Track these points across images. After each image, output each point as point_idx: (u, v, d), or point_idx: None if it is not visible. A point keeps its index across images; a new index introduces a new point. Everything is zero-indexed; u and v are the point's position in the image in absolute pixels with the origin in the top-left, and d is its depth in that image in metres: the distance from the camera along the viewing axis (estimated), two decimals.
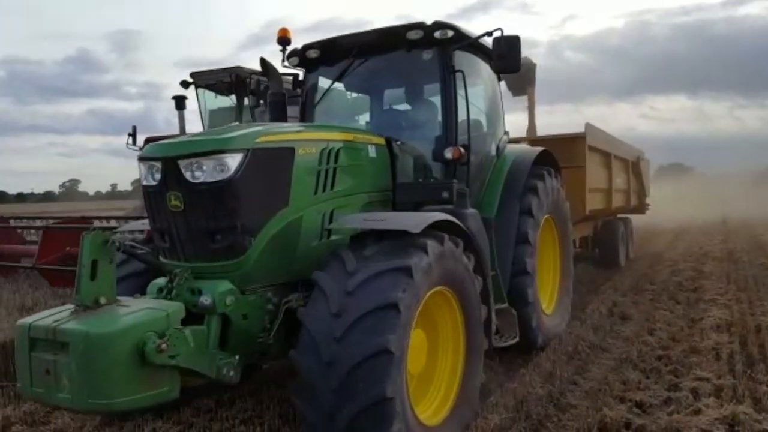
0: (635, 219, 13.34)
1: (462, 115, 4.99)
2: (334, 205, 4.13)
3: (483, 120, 5.74)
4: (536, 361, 5.37)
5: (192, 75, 11.39)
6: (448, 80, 4.98)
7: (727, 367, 5.11)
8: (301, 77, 5.72)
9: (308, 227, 3.90)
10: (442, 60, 5.00)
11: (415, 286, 3.34)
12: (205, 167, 3.44)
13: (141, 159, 3.71)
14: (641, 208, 13.53)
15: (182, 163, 3.47)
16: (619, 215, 12.16)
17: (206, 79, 11.33)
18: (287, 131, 4.04)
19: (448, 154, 4.84)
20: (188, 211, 3.51)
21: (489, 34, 4.77)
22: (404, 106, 5.78)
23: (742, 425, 3.87)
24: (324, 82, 5.52)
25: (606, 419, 4.00)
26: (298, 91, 5.74)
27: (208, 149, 3.48)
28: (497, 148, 5.82)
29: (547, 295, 6.40)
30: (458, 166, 4.92)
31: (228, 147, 3.50)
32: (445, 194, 4.59)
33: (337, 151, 4.19)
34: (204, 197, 3.47)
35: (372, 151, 4.58)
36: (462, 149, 4.86)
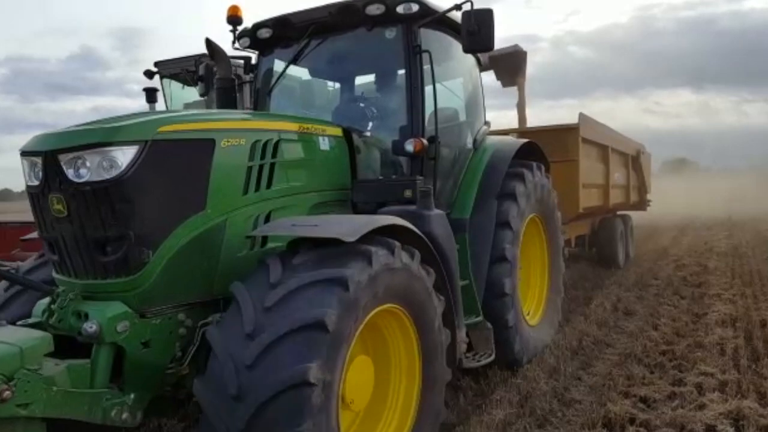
0: (637, 215, 12.83)
1: (430, 103, 4.43)
2: (271, 207, 3.56)
3: (458, 108, 5.20)
4: (540, 356, 5.37)
5: (156, 64, 10.46)
6: (413, 62, 4.38)
7: (731, 362, 5.11)
8: (254, 61, 5.17)
9: (234, 234, 3.27)
10: (406, 38, 4.40)
11: (351, 301, 2.73)
12: (89, 163, 2.82)
13: (22, 154, 3.07)
14: (642, 205, 12.84)
15: (63, 159, 2.86)
16: (618, 212, 11.47)
17: (170, 69, 10.30)
18: (204, 119, 3.39)
19: (409, 146, 4.24)
20: (73, 217, 2.90)
21: (458, 7, 4.22)
22: (373, 93, 5.09)
23: (747, 420, 3.87)
24: (280, 66, 4.92)
25: (610, 414, 4.01)
26: (249, 77, 5.23)
27: (92, 141, 2.83)
28: (475, 141, 5.23)
29: (533, 303, 5.85)
30: (425, 160, 4.36)
31: (116, 138, 2.84)
32: (407, 193, 4.05)
33: (276, 143, 3.61)
34: (89, 200, 2.86)
35: (325, 144, 4.02)
36: (425, 141, 4.27)
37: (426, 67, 4.43)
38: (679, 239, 15.65)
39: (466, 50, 4.30)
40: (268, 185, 3.56)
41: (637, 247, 12.88)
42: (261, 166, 3.52)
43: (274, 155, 3.60)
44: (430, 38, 4.56)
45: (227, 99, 4.74)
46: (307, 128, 3.94)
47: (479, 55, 5.49)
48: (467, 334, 4.24)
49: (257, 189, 3.48)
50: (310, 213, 3.86)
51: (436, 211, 3.91)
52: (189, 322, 3.10)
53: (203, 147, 3.18)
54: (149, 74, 10.69)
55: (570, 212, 8.00)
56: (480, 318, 4.55)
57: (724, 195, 28.72)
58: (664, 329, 6.25)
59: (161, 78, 10.93)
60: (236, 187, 3.36)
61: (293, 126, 3.85)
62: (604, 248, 10.57)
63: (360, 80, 5.27)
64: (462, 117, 5.26)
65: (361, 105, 4.94)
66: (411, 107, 4.39)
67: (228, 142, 3.30)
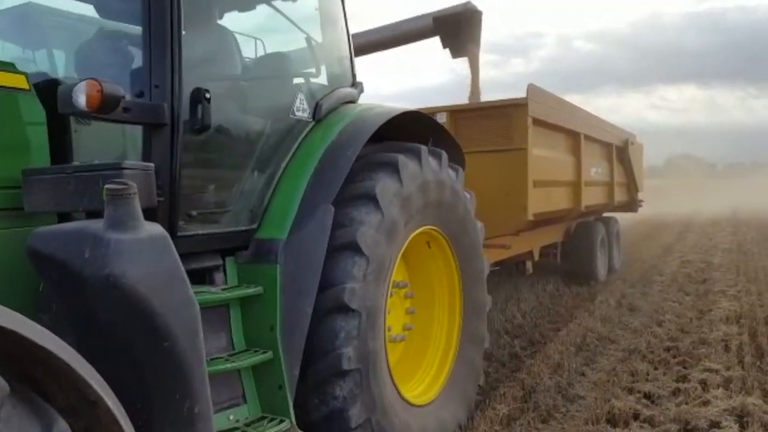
0: (638, 212, 11.54)
1: (207, 41, 3.02)
2: None
3: (286, 52, 3.63)
4: (544, 351, 5.38)
5: None
6: None
7: (736, 358, 5.10)
8: None
9: None
10: None
11: None
12: None
13: None
14: (632, 205, 10.80)
15: None
16: (598, 215, 9.62)
17: None
18: None
19: (80, 97, 2.15)
20: None
21: None
22: (131, 27, 3.06)
23: (751, 416, 3.87)
24: None
25: (614, 410, 4.01)
26: None
27: None
28: (317, 109, 3.38)
29: (431, 366, 3.83)
30: (177, 133, 2.53)
31: None
32: (87, 201, 2.16)
33: None
34: None
35: None
36: (104, 86, 2.16)
37: None
38: (684, 236, 15.63)
39: None
40: None
41: (642, 244, 12.82)
42: None
43: None
44: None
45: None
46: None
47: None
48: None
49: None
50: None
51: (146, 232, 1.92)
52: None
53: None
54: None
55: (515, 220, 6.09)
56: (288, 426, 2.70)
57: (729, 190, 28.63)
58: (668, 325, 6.25)
59: None
60: None
61: None
62: (578, 259, 8.50)
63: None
64: (292, 67, 3.60)
65: (116, 46, 3.13)
66: (146, 41, 2.51)
67: None
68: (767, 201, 23.05)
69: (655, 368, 4.96)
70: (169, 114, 2.51)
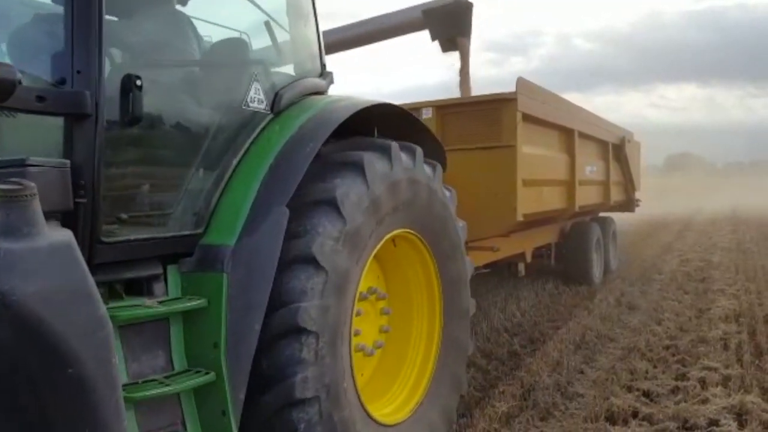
0: (636, 212, 11.27)
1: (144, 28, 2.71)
2: None
3: (247, 33, 3.21)
4: (543, 350, 5.39)
5: None
6: None
7: (735, 357, 5.11)
8: None
9: None
10: None
11: None
12: None
13: None
14: (629, 205, 10.54)
15: None
16: (594, 215, 9.43)
17: None
18: None
19: None
20: None
21: None
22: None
23: (750, 414, 3.88)
24: None
25: (613, 408, 4.02)
26: None
27: None
28: (275, 100, 3.03)
29: (405, 382, 3.50)
30: (99, 124, 2.21)
31: None
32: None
33: None
34: None
35: None
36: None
37: None
38: (683, 234, 15.65)
39: None
40: None
41: (641, 243, 12.83)
42: None
43: None
44: None
45: None
46: None
47: None
48: None
49: None
50: None
51: (46, 240, 1.70)
52: None
53: None
54: None
55: (504, 221, 5.70)
56: None
57: (729, 189, 28.67)
58: (667, 324, 6.25)
59: None
60: None
61: None
62: (573, 261, 8.28)
63: None
64: (248, 54, 3.20)
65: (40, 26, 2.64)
66: (73, 15, 2.20)
67: None
68: (767, 200, 23.07)
69: (654, 366, 4.96)
70: (93, 104, 2.17)
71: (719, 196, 26.63)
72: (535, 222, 6.58)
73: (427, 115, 5.79)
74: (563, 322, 6.43)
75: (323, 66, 3.58)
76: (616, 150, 9.33)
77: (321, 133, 2.88)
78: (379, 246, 3.08)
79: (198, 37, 3.00)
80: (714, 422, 3.81)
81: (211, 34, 3.16)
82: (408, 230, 3.32)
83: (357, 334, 3.02)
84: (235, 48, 3.18)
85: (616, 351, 5.41)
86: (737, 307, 6.81)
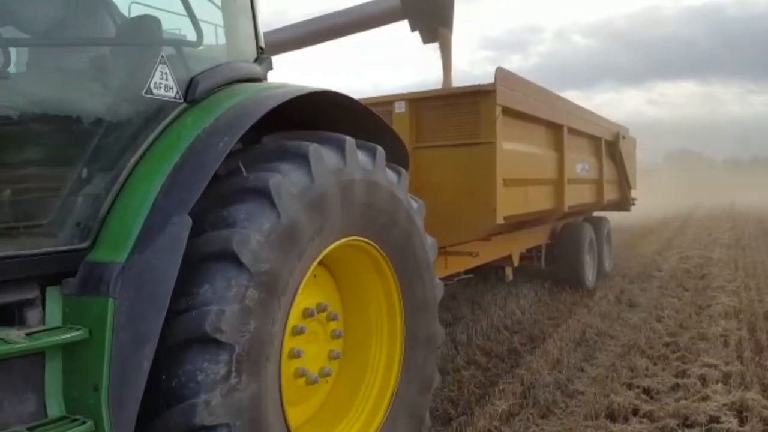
0: (637, 208, 10.96)
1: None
2: None
3: (136, 18, 2.70)
4: (543, 347, 5.38)
5: None
6: None
7: (735, 353, 5.11)
8: None
9: None
10: None
11: None
12: None
13: None
14: (624, 204, 10.15)
15: None
16: (588, 215, 9.05)
17: None
18: None
19: None
20: None
21: None
22: None
23: (750, 411, 3.88)
24: None
25: (614, 405, 4.02)
26: None
27: None
28: (190, 86, 2.57)
29: (356, 418, 3.04)
30: None
31: None
32: None
33: None
34: None
35: None
36: None
37: None
38: (682, 231, 15.66)
39: None
40: None
41: (640, 240, 12.83)
42: None
43: None
44: None
45: None
46: None
47: None
48: None
49: None
50: None
51: None
52: None
53: None
54: None
55: (483, 223, 5.17)
56: None
57: (728, 185, 28.71)
58: (667, 321, 6.25)
59: None
60: None
61: None
62: (565, 264, 7.87)
63: None
64: (157, 34, 2.61)
65: None
66: None
67: None
68: (766, 196, 23.09)
69: (655, 364, 4.96)
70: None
71: (719, 193, 26.66)
72: (520, 224, 6.22)
73: (400, 109, 5.36)
74: (563, 319, 6.43)
75: (260, 49, 3.12)
76: (610, 147, 8.93)
77: (240, 124, 2.37)
78: (325, 252, 2.61)
79: (113, 15, 2.62)
80: (714, 419, 3.81)
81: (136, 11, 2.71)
82: (364, 239, 2.86)
83: (297, 355, 2.60)
84: (139, 26, 2.66)
85: (616, 348, 5.40)
86: (737, 304, 6.82)
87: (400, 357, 3.15)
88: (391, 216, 2.97)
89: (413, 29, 7.65)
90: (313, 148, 2.47)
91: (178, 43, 2.69)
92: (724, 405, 3.98)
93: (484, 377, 4.72)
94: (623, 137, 9.41)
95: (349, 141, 2.71)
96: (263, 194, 2.24)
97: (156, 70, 2.44)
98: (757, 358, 4.90)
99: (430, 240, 3.36)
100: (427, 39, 7.76)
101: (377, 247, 2.94)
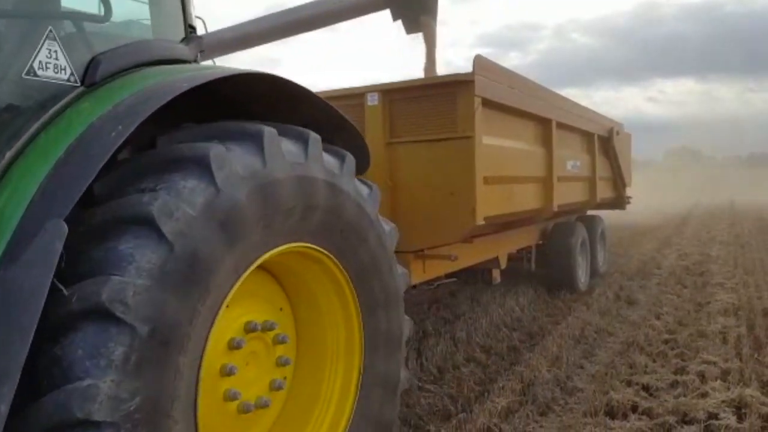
0: (636, 206, 10.81)
1: None
2: None
3: None
4: (542, 344, 5.39)
5: None
6: None
7: (734, 350, 5.12)
8: None
9: None
10: None
11: None
12: None
13: None
14: (619, 202, 9.76)
15: None
16: (580, 214, 8.69)
17: None
18: None
19: None
20: None
21: None
22: None
23: (749, 408, 3.88)
24: None
25: (613, 402, 4.03)
26: None
27: None
28: (89, 68, 2.20)
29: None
30: None
31: None
32: None
33: None
34: None
35: None
36: None
37: None
38: (681, 229, 15.67)
39: None
40: None
41: (639, 237, 12.83)
42: None
43: None
44: None
45: None
46: None
47: None
48: None
49: None
50: None
51: None
52: None
53: None
54: None
55: (462, 225, 4.71)
56: None
57: (727, 183, 28.74)
58: (666, 318, 6.27)
59: None
60: None
61: None
62: (556, 265, 7.50)
63: None
64: (52, 6, 2.32)
65: None
66: None
67: None
68: (765, 193, 23.12)
69: (654, 361, 4.97)
70: None
71: (718, 190, 26.70)
72: (506, 224, 5.81)
73: (372, 102, 4.90)
74: (562, 316, 6.45)
75: (191, 28, 2.79)
76: (604, 143, 8.46)
77: (141, 110, 1.98)
78: (261, 261, 2.26)
79: None
80: (713, 416, 3.81)
81: None
82: (306, 245, 2.49)
83: (230, 373, 2.26)
84: None
85: (616, 345, 5.41)
86: (736, 301, 6.83)
87: (359, 363, 2.85)
88: (333, 211, 2.56)
89: (395, 18, 7.28)
90: (215, 153, 2.00)
91: (76, 16, 2.32)
92: (723, 402, 3.99)
93: (484, 374, 4.73)
94: (617, 133, 8.96)
95: (269, 132, 2.25)
96: (200, 163, 1.94)
97: (42, 47, 2.05)
98: (755, 355, 4.91)
99: (388, 227, 2.97)
100: (410, 29, 7.35)
101: (322, 249, 2.57)
